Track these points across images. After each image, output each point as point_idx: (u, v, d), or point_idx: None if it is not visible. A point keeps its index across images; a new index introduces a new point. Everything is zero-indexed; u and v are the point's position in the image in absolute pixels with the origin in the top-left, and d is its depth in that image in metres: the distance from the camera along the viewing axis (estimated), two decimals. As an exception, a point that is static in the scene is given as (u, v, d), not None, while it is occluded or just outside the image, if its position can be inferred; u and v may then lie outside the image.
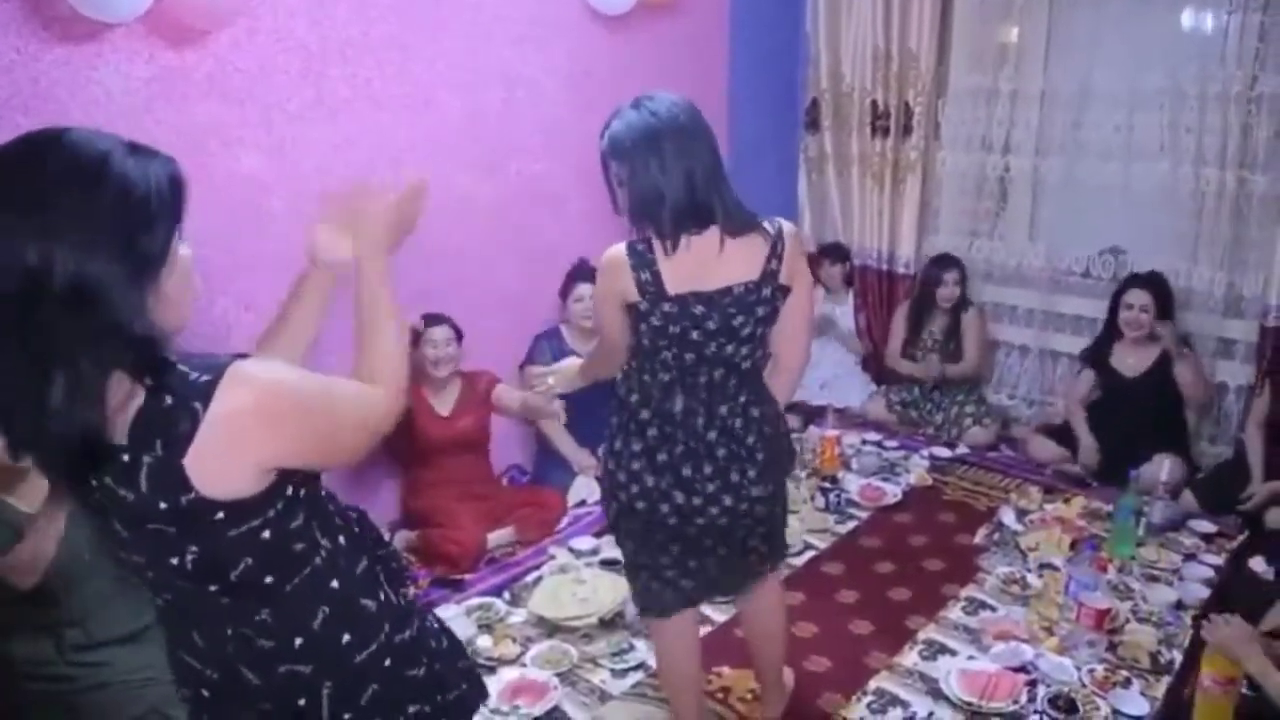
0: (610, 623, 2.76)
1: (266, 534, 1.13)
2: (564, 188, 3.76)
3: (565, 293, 3.69)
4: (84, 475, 1.08)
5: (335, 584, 1.22)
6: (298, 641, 1.19)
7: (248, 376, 1.07)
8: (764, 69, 4.58)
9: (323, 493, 1.26)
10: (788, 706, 2.44)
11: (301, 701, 1.21)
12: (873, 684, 2.55)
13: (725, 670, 2.60)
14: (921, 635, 2.76)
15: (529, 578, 3.06)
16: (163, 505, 1.06)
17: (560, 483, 3.59)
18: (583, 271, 3.67)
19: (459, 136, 3.38)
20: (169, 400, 1.04)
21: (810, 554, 3.20)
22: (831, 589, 2.98)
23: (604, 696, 2.51)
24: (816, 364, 4.50)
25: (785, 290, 1.92)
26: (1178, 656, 2.62)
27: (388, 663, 1.26)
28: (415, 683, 1.31)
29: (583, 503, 3.55)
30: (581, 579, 2.92)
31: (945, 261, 4.23)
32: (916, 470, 3.86)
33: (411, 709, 1.31)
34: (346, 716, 1.24)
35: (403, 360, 1.29)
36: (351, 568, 1.26)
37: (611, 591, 2.83)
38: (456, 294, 3.40)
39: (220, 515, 1.09)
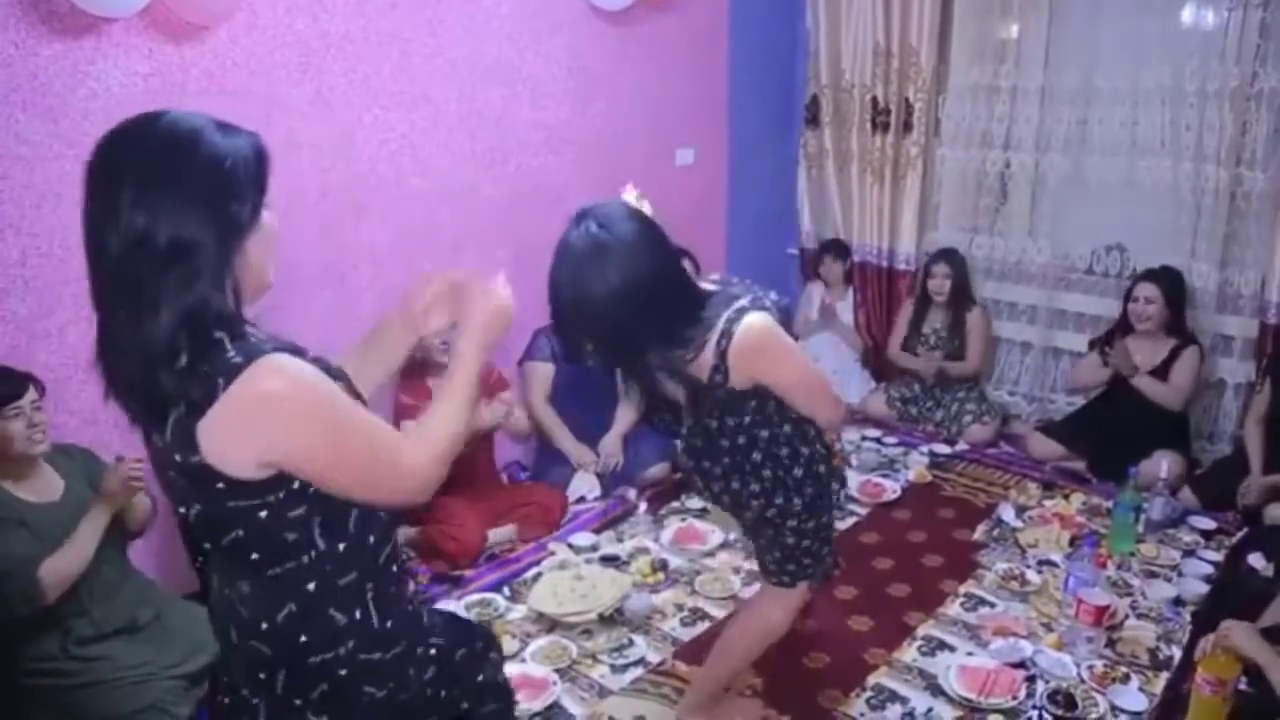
0: (609, 618, 2.76)
1: (263, 514, 1.19)
2: (563, 183, 3.76)
3: (564, 289, 3.68)
4: (157, 416, 1.17)
5: (311, 586, 1.25)
6: (263, 625, 1.26)
7: (278, 368, 1.14)
8: (764, 64, 4.58)
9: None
10: (786, 702, 2.44)
11: (261, 675, 1.28)
12: (872, 680, 2.55)
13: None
14: (920, 631, 2.76)
15: (528, 574, 3.06)
16: (178, 458, 1.15)
17: (560, 479, 3.59)
18: (582, 267, 3.67)
19: (458, 132, 3.38)
20: (205, 368, 1.12)
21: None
22: (830, 585, 2.97)
23: (603, 692, 2.51)
24: (817, 359, 4.50)
25: (744, 393, 1.87)
26: (1176, 653, 2.62)
27: (343, 673, 1.28)
28: (368, 699, 1.31)
29: (582, 499, 3.55)
30: (581, 575, 2.92)
31: (937, 255, 4.24)
32: (916, 466, 3.86)
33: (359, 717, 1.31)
34: (297, 702, 1.29)
35: (457, 437, 1.33)
36: (335, 577, 1.26)
37: (611, 587, 2.83)
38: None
39: (220, 485, 1.15)
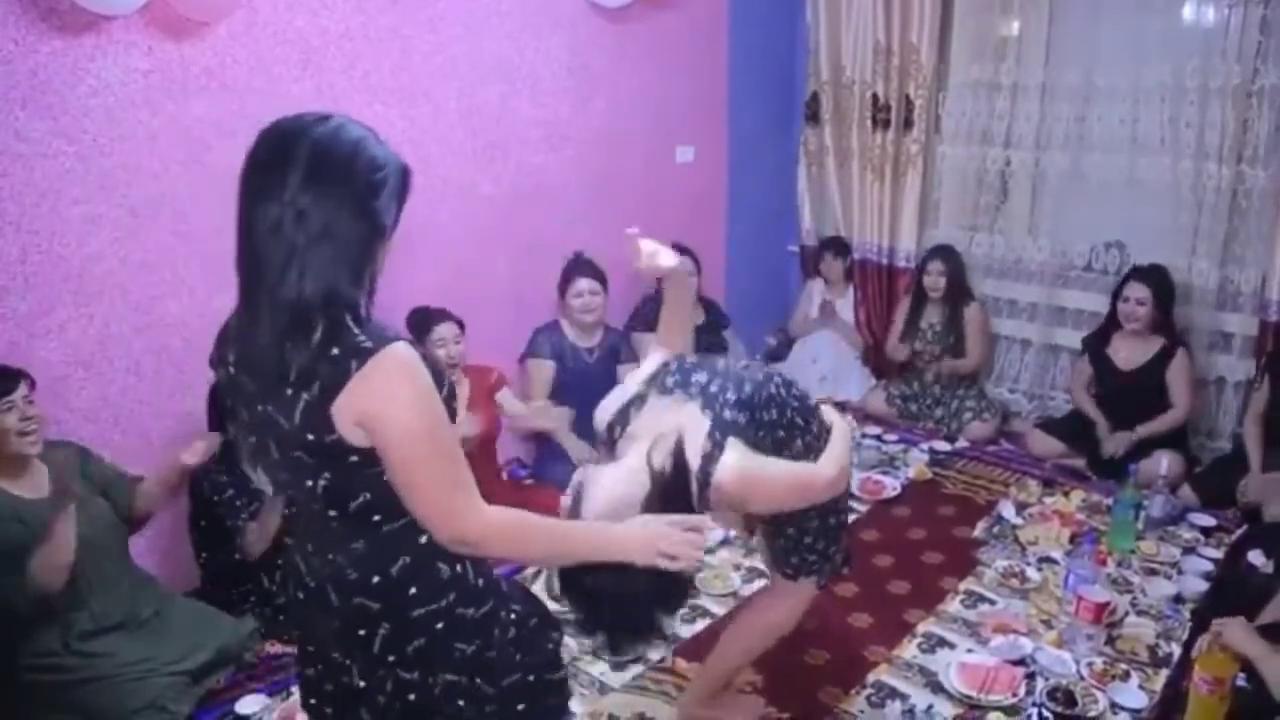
0: (610, 616, 2.76)
1: (386, 478, 1.28)
2: (562, 181, 3.76)
3: (564, 287, 3.68)
4: (276, 393, 1.25)
5: (423, 540, 1.34)
6: (375, 579, 1.34)
7: (407, 358, 1.24)
8: (764, 61, 4.57)
9: None
10: (787, 699, 2.45)
11: (361, 632, 1.36)
12: (872, 677, 2.55)
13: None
14: (920, 628, 2.77)
15: (529, 570, 3.06)
16: (309, 438, 1.25)
17: (560, 477, 3.57)
18: (580, 265, 3.67)
19: (457, 129, 3.38)
20: (335, 351, 1.21)
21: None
22: (830, 582, 2.97)
23: (604, 689, 2.51)
24: (817, 357, 4.51)
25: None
26: (1176, 650, 2.62)
27: (439, 626, 1.37)
28: (459, 655, 1.40)
29: (582, 496, 3.55)
30: (581, 572, 2.91)
31: (932, 252, 4.24)
32: (916, 464, 3.86)
33: (447, 677, 1.40)
34: (391, 659, 1.37)
35: (522, 553, 1.54)
36: None
37: (611, 585, 2.82)
38: (454, 287, 3.40)
39: (354, 458, 1.26)
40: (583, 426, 3.65)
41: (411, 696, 1.39)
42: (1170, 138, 3.74)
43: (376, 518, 1.32)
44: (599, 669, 2.58)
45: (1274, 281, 3.54)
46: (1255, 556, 2.91)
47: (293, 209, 1.21)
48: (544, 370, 3.63)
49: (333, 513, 1.33)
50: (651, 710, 2.42)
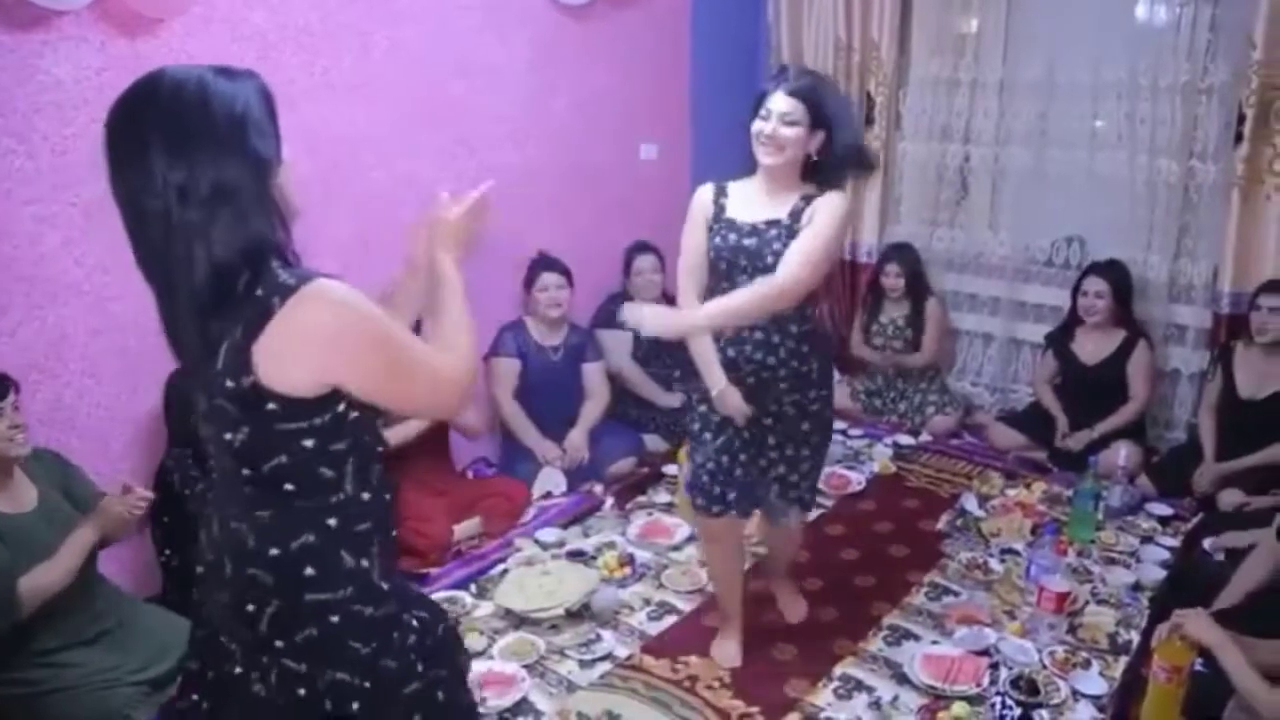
0: (577, 614, 2.76)
1: (308, 443, 1.25)
2: (526, 177, 3.74)
3: (529, 283, 3.66)
4: (209, 350, 1.21)
5: (332, 523, 1.30)
6: (272, 551, 1.29)
7: (329, 288, 1.20)
8: (726, 58, 4.58)
9: (378, 450, 1.36)
10: (754, 692, 2.46)
11: (250, 608, 1.30)
12: (838, 670, 2.57)
13: (693, 659, 2.61)
14: (886, 621, 2.79)
15: (495, 570, 3.05)
16: (229, 384, 1.20)
17: (526, 475, 3.57)
18: (546, 262, 3.66)
19: (418, 126, 3.35)
20: (259, 292, 1.18)
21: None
22: (797, 576, 3.00)
23: (571, 687, 2.50)
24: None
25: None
26: (1135, 637, 2.66)
27: (334, 619, 1.31)
28: (352, 654, 1.32)
29: (548, 495, 3.54)
30: (547, 570, 2.91)
31: (889, 252, 4.27)
32: (880, 458, 3.89)
33: (337, 675, 1.32)
34: (278, 643, 1.31)
35: (472, 330, 1.41)
36: (353, 522, 1.33)
37: (578, 583, 2.82)
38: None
39: (273, 406, 1.21)
40: (549, 424, 3.64)
41: (301, 691, 1.31)
42: (1127, 133, 3.80)
43: (289, 486, 1.28)
44: (566, 668, 2.57)
45: (1225, 274, 3.61)
46: (1210, 545, 2.97)
47: (173, 192, 1.16)
48: (508, 368, 3.62)
49: (246, 471, 1.28)
50: (619, 707, 2.42)
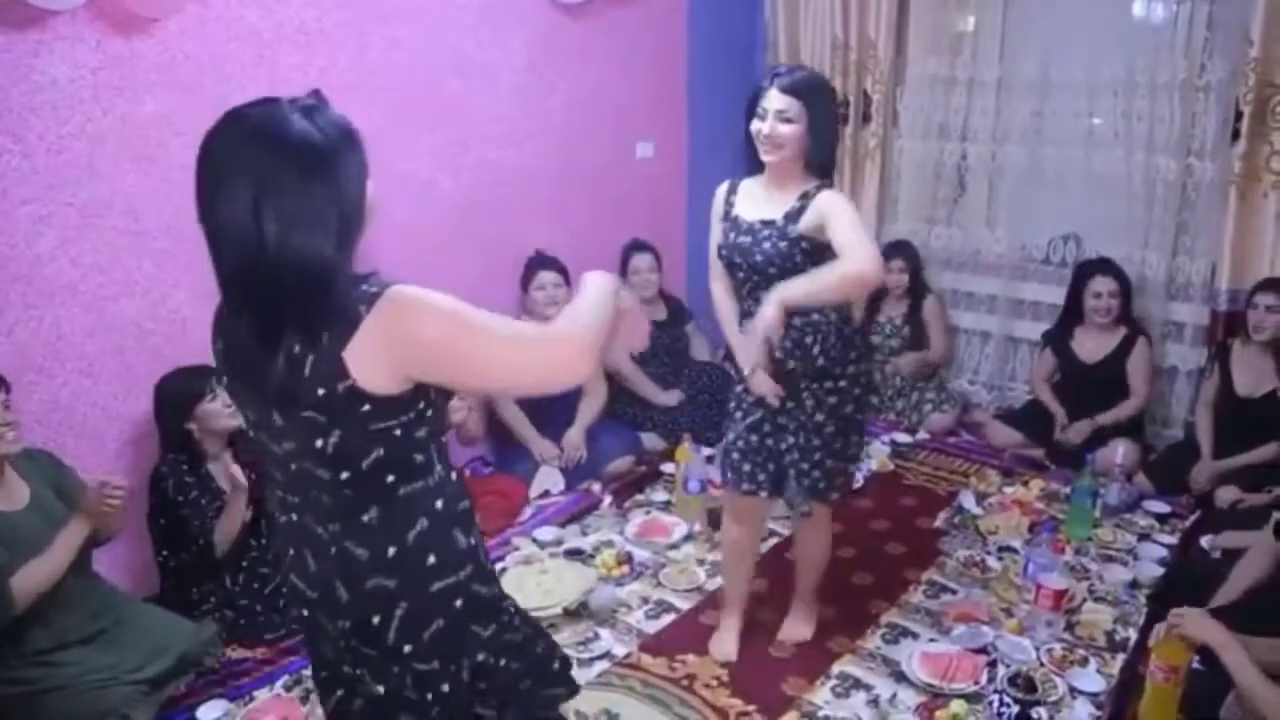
0: (575, 612, 2.76)
1: (398, 433, 1.28)
2: (522, 176, 3.74)
3: (526, 282, 3.66)
4: (291, 367, 1.24)
5: (439, 504, 1.35)
6: (390, 550, 1.31)
7: (409, 292, 1.25)
8: (723, 57, 4.57)
9: (444, 437, 1.41)
10: (752, 691, 2.46)
11: (375, 620, 1.32)
12: (836, 668, 2.57)
13: (690, 658, 2.61)
14: (884, 619, 2.79)
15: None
16: (320, 391, 1.23)
17: (523, 473, 3.57)
18: (542, 261, 3.65)
19: (415, 125, 3.34)
20: (341, 304, 1.23)
21: (774, 540, 3.21)
22: (795, 574, 3.00)
23: (570, 686, 2.50)
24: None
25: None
26: (1133, 634, 2.67)
27: (458, 603, 1.36)
28: (478, 639, 1.40)
29: (546, 493, 3.54)
30: (545, 569, 2.91)
31: (891, 249, 4.25)
32: (878, 456, 3.89)
33: (468, 663, 1.40)
34: (407, 649, 1.34)
35: (602, 329, 1.36)
36: (455, 501, 1.39)
37: (576, 581, 2.82)
38: (415, 283, 3.36)
39: (367, 407, 1.24)
40: (546, 423, 3.64)
41: (445, 688, 1.37)
42: (1124, 131, 3.80)
43: (390, 478, 1.30)
44: (565, 666, 2.57)
45: (1223, 272, 3.61)
46: (1207, 542, 2.97)
47: (265, 218, 1.20)
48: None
49: (345, 475, 1.29)
50: (617, 706, 2.42)
